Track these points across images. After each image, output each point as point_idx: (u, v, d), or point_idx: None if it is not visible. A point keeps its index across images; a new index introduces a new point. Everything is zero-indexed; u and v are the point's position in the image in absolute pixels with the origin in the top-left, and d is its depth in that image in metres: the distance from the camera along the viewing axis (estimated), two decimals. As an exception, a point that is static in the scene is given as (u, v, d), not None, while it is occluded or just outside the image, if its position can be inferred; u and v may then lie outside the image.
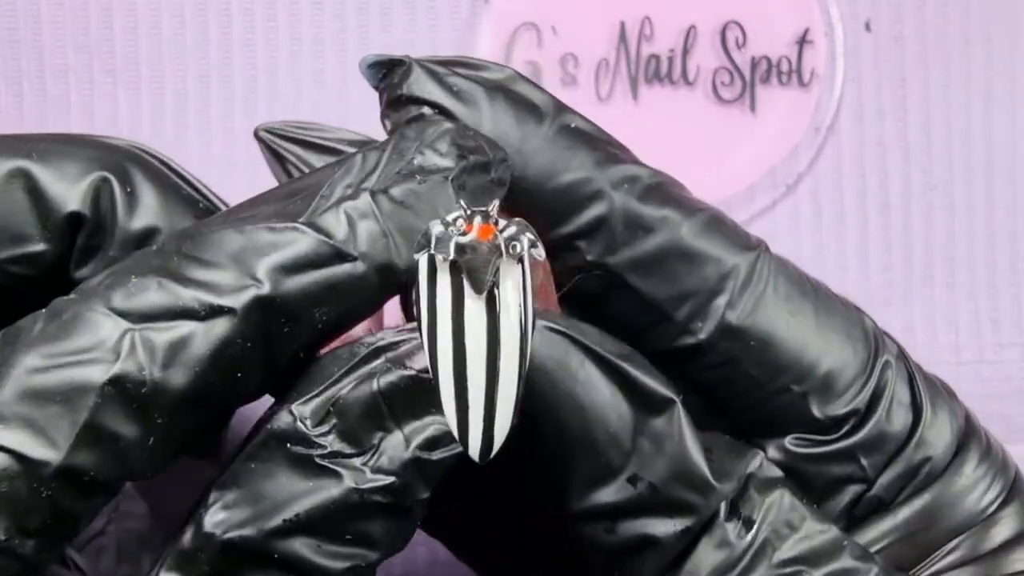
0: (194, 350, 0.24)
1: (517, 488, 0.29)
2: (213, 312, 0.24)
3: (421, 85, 0.29)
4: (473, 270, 0.24)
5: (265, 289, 0.25)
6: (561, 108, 0.29)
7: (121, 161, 0.29)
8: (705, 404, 0.29)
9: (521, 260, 0.24)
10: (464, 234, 0.24)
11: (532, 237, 0.24)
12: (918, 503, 0.29)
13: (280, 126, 0.30)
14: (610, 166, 0.29)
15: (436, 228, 0.24)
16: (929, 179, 0.44)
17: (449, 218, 0.24)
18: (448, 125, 0.27)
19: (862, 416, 0.29)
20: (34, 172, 0.28)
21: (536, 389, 0.26)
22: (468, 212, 0.24)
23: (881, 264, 0.43)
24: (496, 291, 0.24)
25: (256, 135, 0.30)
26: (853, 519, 0.29)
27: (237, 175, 0.42)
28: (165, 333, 0.24)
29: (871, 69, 0.43)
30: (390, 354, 0.25)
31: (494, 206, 0.24)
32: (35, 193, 0.28)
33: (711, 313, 0.28)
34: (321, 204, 0.26)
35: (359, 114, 0.43)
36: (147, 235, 0.29)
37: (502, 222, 0.24)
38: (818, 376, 0.29)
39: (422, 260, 0.24)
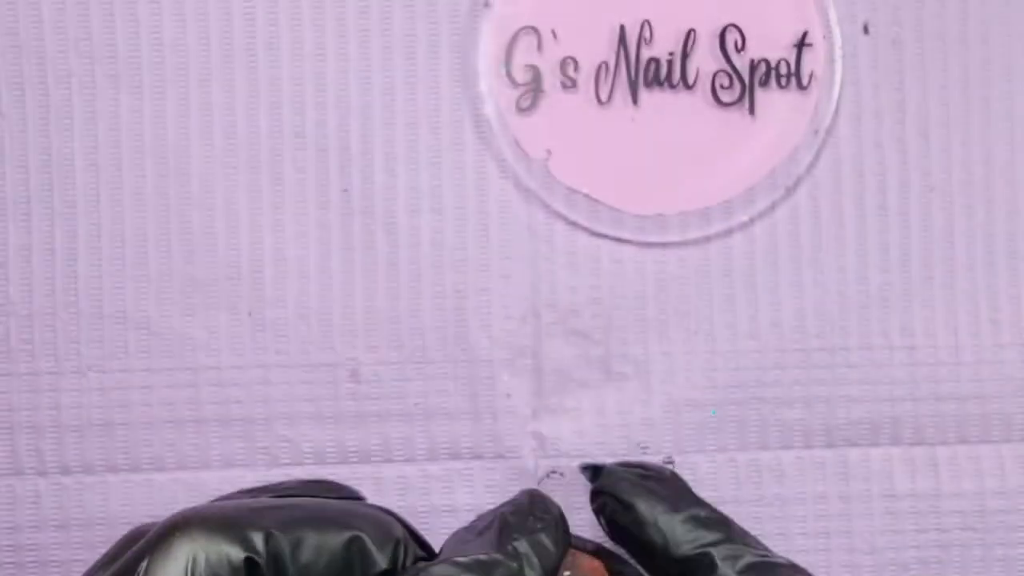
0: None
1: None
2: None
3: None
4: None
5: None
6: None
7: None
8: None
9: None
10: None
11: None
12: None
13: None
14: None
15: None
16: (928, 181, 0.44)
17: None
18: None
19: None
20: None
21: None
22: None
23: (880, 265, 0.44)
24: None
25: None
26: None
27: (239, 179, 0.43)
28: None
29: (869, 71, 0.44)
30: None
31: None
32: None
33: None
34: None
35: (360, 116, 0.43)
36: None
37: None
38: None
39: None
